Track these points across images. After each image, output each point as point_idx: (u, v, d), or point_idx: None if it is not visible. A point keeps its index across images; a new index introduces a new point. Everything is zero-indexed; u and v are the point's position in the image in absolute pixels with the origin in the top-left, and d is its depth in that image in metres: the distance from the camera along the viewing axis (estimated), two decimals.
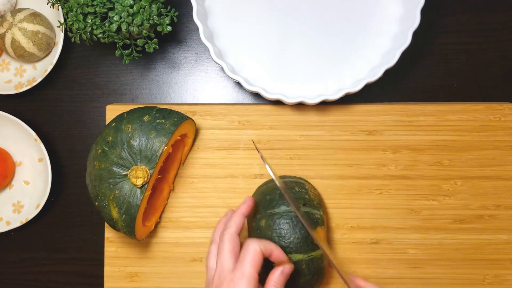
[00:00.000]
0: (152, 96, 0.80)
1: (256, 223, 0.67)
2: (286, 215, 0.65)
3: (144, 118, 0.67)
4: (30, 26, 0.74)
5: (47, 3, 0.72)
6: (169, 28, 0.70)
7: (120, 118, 0.69)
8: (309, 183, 0.72)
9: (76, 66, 0.80)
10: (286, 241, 0.64)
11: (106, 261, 0.75)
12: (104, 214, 0.67)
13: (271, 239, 0.64)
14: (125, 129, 0.67)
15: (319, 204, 0.68)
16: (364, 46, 0.75)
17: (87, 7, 0.68)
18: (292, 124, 0.75)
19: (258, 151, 0.72)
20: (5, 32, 0.74)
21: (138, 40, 0.71)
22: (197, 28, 0.71)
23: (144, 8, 0.68)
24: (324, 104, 0.75)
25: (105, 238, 0.75)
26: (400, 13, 0.75)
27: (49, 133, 0.80)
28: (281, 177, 0.71)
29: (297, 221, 0.65)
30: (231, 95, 0.80)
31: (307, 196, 0.67)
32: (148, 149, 0.66)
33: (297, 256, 0.64)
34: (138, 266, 0.75)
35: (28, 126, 0.75)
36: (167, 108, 0.71)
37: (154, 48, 0.71)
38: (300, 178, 0.72)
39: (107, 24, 0.69)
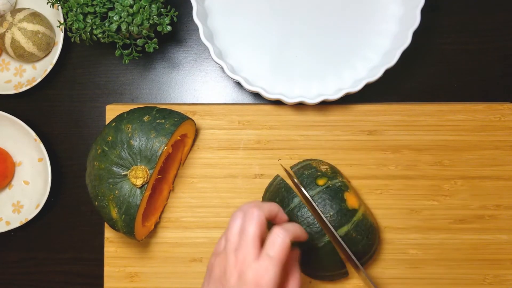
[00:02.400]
0: (152, 96, 0.80)
1: None
2: (302, 204, 0.66)
3: (144, 118, 0.67)
4: (30, 26, 0.74)
5: (47, 3, 0.72)
6: (169, 28, 0.70)
7: (120, 118, 0.69)
8: (316, 160, 0.72)
9: (76, 66, 0.80)
10: (318, 226, 0.65)
11: (106, 261, 0.75)
12: (103, 214, 0.67)
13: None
14: (125, 129, 0.67)
15: (334, 172, 0.69)
16: (364, 46, 0.75)
17: (87, 7, 0.68)
18: (292, 124, 0.75)
19: (292, 176, 0.71)
20: (4, 32, 0.74)
21: (138, 40, 0.71)
22: (197, 28, 0.71)
23: (144, 8, 0.68)
24: (324, 104, 0.75)
25: (105, 238, 0.75)
26: (400, 13, 0.75)
27: (49, 133, 0.80)
28: (291, 167, 0.72)
29: (319, 201, 0.66)
30: (231, 95, 0.80)
31: (319, 173, 0.68)
32: (148, 149, 0.66)
33: (343, 229, 0.65)
34: (138, 266, 0.75)
35: (28, 126, 0.75)
36: (167, 108, 0.71)
37: (154, 48, 0.71)
38: (305, 160, 0.72)
39: (107, 24, 0.69)
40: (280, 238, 0.53)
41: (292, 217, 0.66)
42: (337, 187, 0.67)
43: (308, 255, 0.65)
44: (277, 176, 0.71)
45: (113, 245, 0.75)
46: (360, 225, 0.66)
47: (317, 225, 0.65)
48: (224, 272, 0.54)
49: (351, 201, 0.67)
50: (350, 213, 0.66)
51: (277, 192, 0.69)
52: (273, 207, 0.57)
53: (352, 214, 0.66)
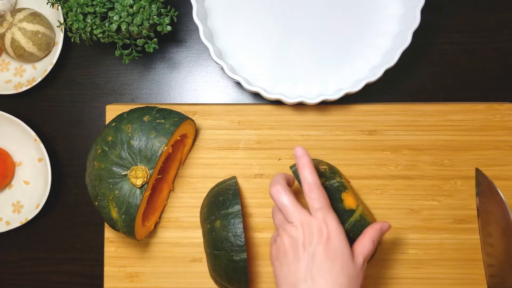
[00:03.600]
0: (152, 96, 0.80)
1: (211, 224, 0.67)
2: (239, 214, 0.66)
3: (144, 118, 0.67)
4: (30, 26, 0.74)
5: (47, 3, 0.72)
6: (169, 28, 0.70)
7: (120, 118, 0.69)
8: (315, 160, 0.72)
9: (76, 66, 0.80)
10: (242, 240, 0.65)
11: (106, 261, 0.75)
12: (103, 214, 0.67)
13: (227, 239, 0.65)
14: (125, 129, 0.67)
15: (333, 172, 0.69)
16: (364, 46, 0.75)
17: (87, 7, 0.68)
18: (292, 124, 0.75)
19: None
20: (4, 32, 0.74)
21: (138, 40, 0.71)
22: (197, 28, 0.71)
23: (144, 8, 0.68)
24: (324, 104, 0.75)
25: (105, 238, 0.75)
26: (400, 13, 0.75)
27: (49, 133, 0.80)
28: (291, 167, 0.72)
29: None
30: (231, 95, 0.80)
31: (318, 173, 0.68)
32: (148, 149, 0.66)
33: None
34: (138, 266, 0.75)
35: (28, 126, 0.75)
36: (167, 108, 0.71)
37: (154, 48, 0.71)
38: None
39: (107, 24, 0.69)
40: (314, 191, 0.58)
41: (224, 219, 0.66)
42: (334, 187, 0.67)
43: (222, 262, 0.65)
44: (233, 177, 0.71)
45: (113, 245, 0.75)
46: (357, 226, 0.66)
47: (242, 239, 0.64)
48: (290, 243, 0.57)
49: (348, 201, 0.67)
50: (347, 214, 0.66)
51: (224, 191, 0.69)
52: (282, 176, 0.62)
53: (350, 215, 0.66)
